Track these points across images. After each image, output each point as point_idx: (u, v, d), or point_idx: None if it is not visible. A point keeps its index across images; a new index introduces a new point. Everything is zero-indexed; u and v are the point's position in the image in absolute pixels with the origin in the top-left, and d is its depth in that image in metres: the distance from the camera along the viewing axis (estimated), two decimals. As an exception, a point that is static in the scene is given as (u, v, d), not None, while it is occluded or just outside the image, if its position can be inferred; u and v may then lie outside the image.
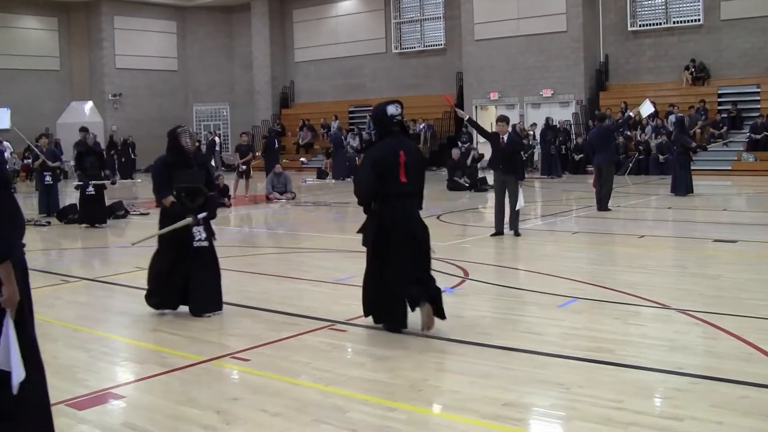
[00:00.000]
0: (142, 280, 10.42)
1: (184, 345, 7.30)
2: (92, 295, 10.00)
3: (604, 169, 17.45)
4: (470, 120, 15.43)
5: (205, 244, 8.46)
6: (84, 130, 18.83)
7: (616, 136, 18.12)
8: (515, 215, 13.89)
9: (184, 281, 8.42)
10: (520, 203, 13.73)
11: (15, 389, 4.17)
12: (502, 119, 14.37)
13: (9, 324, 4.17)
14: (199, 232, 8.40)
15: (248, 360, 6.74)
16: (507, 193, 13.83)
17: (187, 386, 6.14)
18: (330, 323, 7.89)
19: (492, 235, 13.84)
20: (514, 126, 19.05)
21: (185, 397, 5.86)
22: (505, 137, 13.93)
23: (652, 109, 17.01)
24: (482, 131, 15.37)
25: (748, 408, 5.29)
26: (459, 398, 5.69)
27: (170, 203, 8.44)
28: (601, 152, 17.82)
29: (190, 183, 8.54)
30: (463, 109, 36.15)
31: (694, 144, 21.59)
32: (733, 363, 6.31)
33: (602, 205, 17.30)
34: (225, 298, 9.22)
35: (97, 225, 17.01)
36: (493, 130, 14.44)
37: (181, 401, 5.76)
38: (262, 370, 6.48)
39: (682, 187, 20.28)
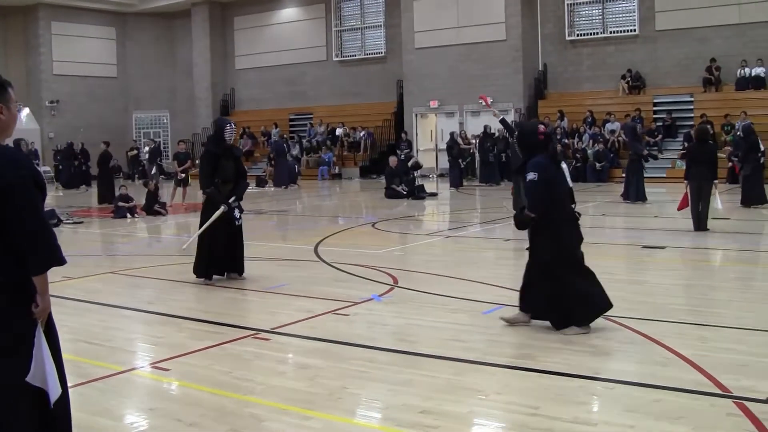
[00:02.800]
0: (69, 289, 10.36)
1: (104, 355, 7.21)
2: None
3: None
4: (503, 120, 14.91)
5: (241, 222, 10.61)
6: (17, 142, 18.30)
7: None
8: None
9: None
10: None
11: (52, 405, 4.08)
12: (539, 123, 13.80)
13: (41, 338, 4.07)
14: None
15: (169, 369, 6.68)
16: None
17: (104, 397, 6.07)
18: (255, 332, 7.85)
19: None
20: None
21: (101, 408, 5.79)
22: None
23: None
24: (514, 133, 15.24)
25: (660, 411, 5.37)
26: (377, 406, 5.71)
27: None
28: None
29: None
30: (402, 118, 36.43)
31: (645, 152, 21.92)
32: (650, 367, 6.40)
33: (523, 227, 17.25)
34: (150, 307, 9.24)
35: None
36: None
37: (96, 412, 5.68)
38: (182, 380, 6.44)
39: (633, 194, 20.59)
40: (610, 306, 7.57)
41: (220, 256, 10.62)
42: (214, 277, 10.64)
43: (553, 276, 7.52)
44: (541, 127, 7.84)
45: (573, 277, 7.50)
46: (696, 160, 14.93)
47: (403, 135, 34.95)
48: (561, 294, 7.49)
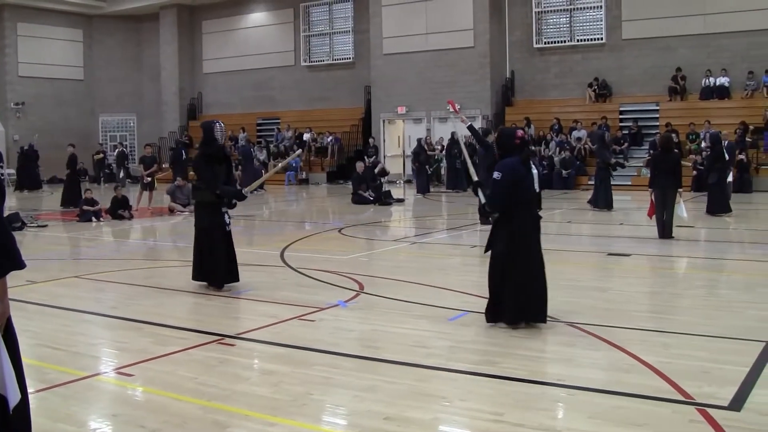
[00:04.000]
0: (32, 294, 10.29)
1: (67, 360, 7.14)
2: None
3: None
4: (470, 127, 15.37)
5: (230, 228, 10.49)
6: None
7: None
8: None
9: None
10: None
11: (11, 410, 4.00)
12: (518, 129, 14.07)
13: (0, 343, 3.99)
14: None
15: (132, 375, 6.63)
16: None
17: (67, 403, 6.00)
18: (219, 337, 7.81)
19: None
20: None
21: (63, 414, 5.73)
22: None
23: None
24: (481, 140, 15.35)
25: (622, 418, 5.40)
26: (341, 412, 5.70)
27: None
28: (482, 167, 18.12)
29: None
30: (370, 124, 36.44)
31: (613, 160, 22.07)
32: (613, 374, 6.45)
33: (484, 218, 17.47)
34: (114, 312, 9.22)
35: None
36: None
37: (58, 418, 5.63)
38: (145, 386, 6.39)
39: (602, 201, 20.72)
40: (540, 319, 8.00)
41: (231, 260, 10.53)
42: (198, 283, 10.58)
43: (500, 269, 8.00)
44: (519, 132, 8.29)
45: (518, 278, 7.88)
46: (660, 169, 15.11)
47: (370, 141, 34.97)
48: (501, 289, 7.96)
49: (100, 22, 46.51)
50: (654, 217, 15.17)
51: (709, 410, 5.48)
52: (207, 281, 10.47)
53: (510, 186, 7.84)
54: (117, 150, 39.60)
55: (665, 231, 14.85)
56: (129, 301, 9.94)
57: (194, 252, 10.62)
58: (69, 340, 7.95)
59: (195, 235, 10.66)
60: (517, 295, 7.86)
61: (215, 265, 10.32)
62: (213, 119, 11.17)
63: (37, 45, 43.70)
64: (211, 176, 10.27)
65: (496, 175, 7.93)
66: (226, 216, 10.39)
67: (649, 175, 16.30)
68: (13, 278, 4.12)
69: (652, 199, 15.11)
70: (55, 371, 6.76)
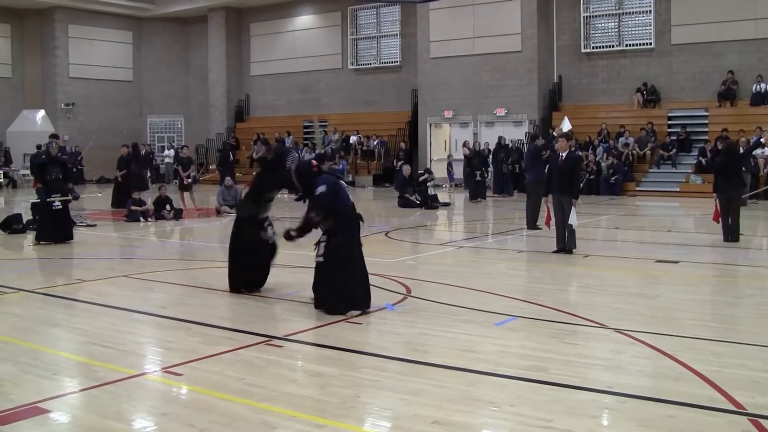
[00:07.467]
0: (82, 292, 10.40)
1: (117, 358, 7.20)
2: (28, 307, 9.79)
3: (530, 187, 17.67)
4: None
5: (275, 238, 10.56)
6: (54, 136, 19.44)
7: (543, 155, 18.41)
8: (571, 233, 13.87)
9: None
10: (573, 221, 13.68)
11: None
12: (564, 136, 14.39)
13: None
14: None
15: (181, 374, 6.68)
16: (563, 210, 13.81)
17: (116, 400, 6.05)
18: (267, 338, 7.84)
19: (554, 252, 13.93)
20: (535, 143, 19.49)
21: (113, 411, 5.77)
22: (564, 155, 13.83)
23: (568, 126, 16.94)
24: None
25: (673, 427, 5.33)
26: (388, 416, 5.68)
27: None
28: (530, 171, 18.12)
29: None
30: (417, 127, 36.42)
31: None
32: (663, 382, 6.37)
33: (530, 223, 17.44)
34: (163, 312, 9.27)
35: (66, 242, 16.12)
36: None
37: (108, 415, 5.68)
38: (194, 385, 6.43)
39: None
40: (368, 306, 9.03)
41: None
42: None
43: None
44: (314, 162, 9.61)
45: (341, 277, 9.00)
46: (724, 174, 15.07)
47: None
48: (327, 287, 9.02)
49: (149, 24, 46.98)
50: (720, 221, 15.13)
51: (762, 421, 5.40)
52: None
53: (334, 194, 9.07)
54: (173, 149, 39.98)
55: (731, 235, 14.79)
56: (178, 301, 10.03)
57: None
58: (118, 338, 8.02)
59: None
60: (346, 294, 8.96)
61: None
62: (288, 147, 12.17)
63: (87, 47, 44.25)
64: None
65: (322, 189, 8.98)
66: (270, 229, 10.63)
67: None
68: (63, 276, 4.17)
69: (717, 205, 15.05)
70: (105, 369, 6.83)
